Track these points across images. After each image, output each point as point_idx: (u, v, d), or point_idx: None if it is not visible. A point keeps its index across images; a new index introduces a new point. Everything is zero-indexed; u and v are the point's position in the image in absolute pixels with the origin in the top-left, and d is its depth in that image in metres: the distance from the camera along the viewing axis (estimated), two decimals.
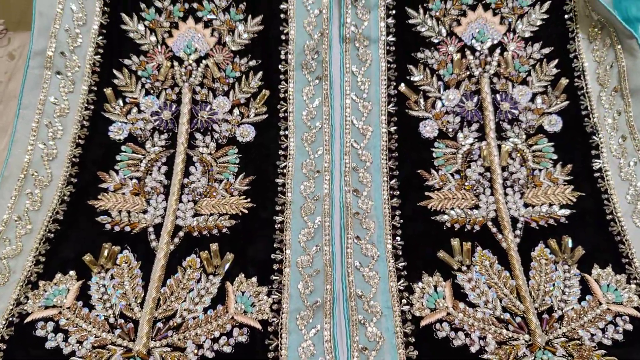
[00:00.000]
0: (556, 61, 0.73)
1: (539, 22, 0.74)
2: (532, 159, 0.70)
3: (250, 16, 0.74)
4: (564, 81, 0.72)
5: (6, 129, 0.79)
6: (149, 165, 0.70)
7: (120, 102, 0.73)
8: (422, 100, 0.72)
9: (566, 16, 0.74)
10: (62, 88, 0.71)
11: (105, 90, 0.73)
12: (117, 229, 0.65)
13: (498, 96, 0.72)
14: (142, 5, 0.74)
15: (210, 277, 0.63)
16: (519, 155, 0.70)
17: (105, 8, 0.74)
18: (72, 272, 0.62)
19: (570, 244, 0.64)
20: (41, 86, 0.71)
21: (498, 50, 0.73)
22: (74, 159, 0.69)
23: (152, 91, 0.73)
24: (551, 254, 0.64)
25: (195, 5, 0.75)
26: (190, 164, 0.70)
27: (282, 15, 0.74)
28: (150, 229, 0.65)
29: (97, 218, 0.66)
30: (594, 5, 0.70)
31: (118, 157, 0.70)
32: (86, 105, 0.72)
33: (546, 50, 0.73)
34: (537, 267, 0.63)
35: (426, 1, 0.74)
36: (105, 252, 0.63)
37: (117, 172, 0.69)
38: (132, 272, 0.62)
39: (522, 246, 0.64)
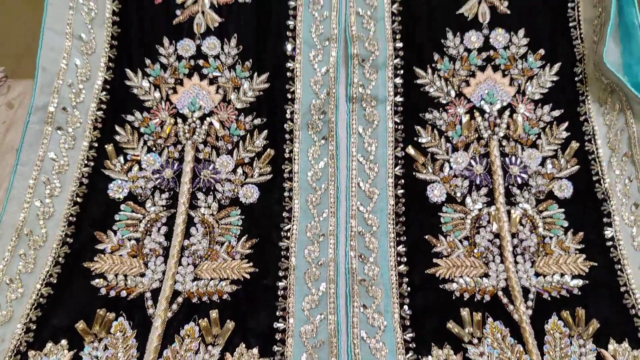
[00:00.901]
0: (566, 124, 0.72)
1: (548, 84, 0.73)
2: (543, 226, 0.68)
3: (256, 74, 0.73)
4: (574, 145, 0.71)
5: (1, 183, 0.77)
6: (149, 225, 0.67)
7: (121, 159, 0.71)
8: (430, 163, 0.71)
9: (576, 78, 0.73)
10: (63, 144, 0.70)
11: (106, 146, 0.71)
12: (112, 293, 0.63)
13: (507, 159, 0.71)
14: (148, 61, 0.74)
15: (210, 347, 0.60)
16: (529, 221, 0.68)
17: (110, 64, 0.73)
18: (63, 342, 0.59)
19: (584, 317, 0.61)
20: (41, 142, 0.69)
21: (507, 112, 0.72)
22: (70, 218, 0.67)
23: (154, 148, 0.72)
24: (565, 327, 0.61)
25: (201, 62, 0.74)
26: (191, 225, 0.68)
27: (288, 74, 0.73)
28: (148, 294, 0.63)
29: (92, 282, 0.63)
30: (603, 70, 0.70)
31: (117, 217, 0.68)
32: (86, 162, 0.70)
33: (556, 113, 0.72)
34: (552, 341, 0.60)
35: (435, 61, 0.73)
36: (100, 320, 0.61)
37: (115, 232, 0.67)
38: (127, 342, 0.60)
39: (534, 318, 0.62)
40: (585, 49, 0.73)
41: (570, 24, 0.74)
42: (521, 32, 0.74)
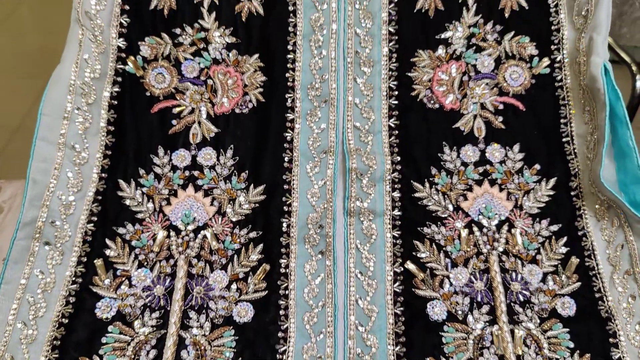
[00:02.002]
0: (565, 239, 0.71)
1: (545, 199, 0.73)
2: (548, 347, 0.66)
3: (252, 185, 0.73)
4: (574, 260, 0.70)
5: None
6: (137, 348, 0.64)
7: (111, 275, 0.68)
8: (429, 279, 0.69)
9: (572, 193, 0.73)
10: (50, 260, 0.67)
11: (95, 261, 0.68)
12: None
13: (508, 276, 0.70)
14: (142, 171, 0.72)
15: None
16: (533, 342, 0.66)
17: (103, 174, 0.72)
18: None
19: None
20: (27, 259, 0.66)
21: (506, 227, 0.72)
22: (55, 342, 0.63)
23: (145, 263, 0.69)
24: None
25: (196, 173, 0.73)
26: (182, 348, 0.64)
27: (285, 186, 0.72)
28: None
29: None
30: (600, 187, 0.70)
31: (104, 340, 0.64)
32: (74, 278, 0.67)
33: (554, 228, 0.72)
34: None
35: (432, 175, 0.73)
36: None
37: (101, 357, 0.63)
38: None
39: None
40: (579, 163, 0.74)
41: (564, 139, 0.74)
42: (516, 147, 0.74)
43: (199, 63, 0.75)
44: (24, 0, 3.00)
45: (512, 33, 0.76)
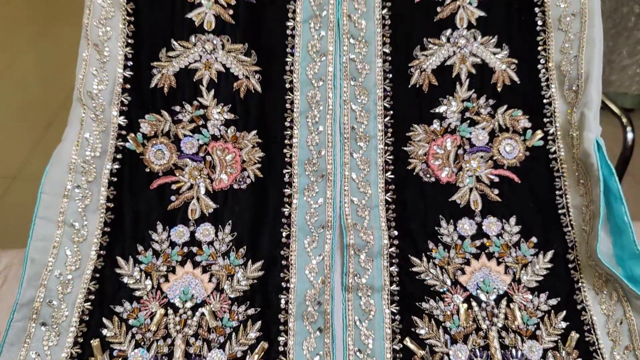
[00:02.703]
0: (564, 313, 0.71)
1: (543, 272, 0.73)
2: None
3: (250, 261, 0.73)
4: (574, 335, 0.70)
5: None
6: None
7: (107, 356, 0.67)
8: (429, 356, 0.68)
9: (570, 266, 0.73)
10: (45, 341, 0.66)
11: (92, 342, 0.68)
12: None
13: (508, 352, 0.69)
14: (140, 248, 0.73)
15: None
16: None
17: (101, 251, 0.72)
18: None
19: None
20: (23, 340, 0.66)
21: (504, 302, 0.72)
22: None
23: (142, 343, 0.69)
24: None
25: (194, 249, 0.73)
26: None
27: (283, 262, 0.72)
28: None
29: None
30: (597, 262, 0.70)
31: None
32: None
33: (553, 302, 0.72)
34: None
35: (429, 249, 0.74)
36: None
37: None
38: None
39: None
40: (576, 235, 0.74)
41: (560, 211, 0.75)
42: (512, 219, 0.75)
43: (198, 139, 0.76)
44: (26, 49, 3.05)
45: (505, 106, 0.78)
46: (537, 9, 0.77)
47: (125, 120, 0.76)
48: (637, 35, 2.36)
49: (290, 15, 0.76)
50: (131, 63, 0.76)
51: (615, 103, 2.75)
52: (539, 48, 0.78)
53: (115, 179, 0.74)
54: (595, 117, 0.73)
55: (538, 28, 0.78)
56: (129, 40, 0.76)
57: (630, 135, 1.40)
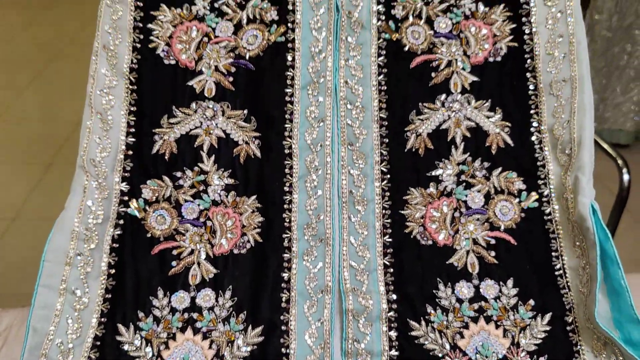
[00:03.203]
0: None
1: (542, 335, 0.73)
2: None
3: (250, 326, 0.73)
4: None
5: None
6: None
7: None
8: None
9: (568, 328, 0.74)
10: None
11: None
12: None
13: None
14: (140, 314, 0.73)
15: None
16: None
17: (102, 319, 0.72)
18: None
19: None
20: None
21: None
22: None
23: None
24: None
25: (195, 315, 0.73)
26: None
27: (282, 327, 0.73)
28: None
29: None
30: (594, 325, 0.71)
31: None
32: None
33: None
34: None
35: (428, 313, 0.74)
36: None
37: None
38: None
39: None
40: (573, 297, 0.75)
41: (557, 273, 0.76)
42: (510, 282, 0.76)
43: (199, 205, 0.77)
44: (27, 87, 3.09)
45: (500, 169, 0.79)
46: (528, 74, 0.80)
47: (127, 186, 0.77)
48: (629, 73, 2.41)
49: (288, 82, 0.79)
50: (133, 130, 0.78)
51: (610, 139, 2.78)
52: (532, 111, 0.79)
53: (117, 245, 0.75)
54: (589, 182, 0.75)
55: (530, 92, 0.80)
56: (132, 108, 0.78)
57: (626, 177, 1.42)
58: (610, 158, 1.43)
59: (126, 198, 0.77)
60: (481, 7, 0.81)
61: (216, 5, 0.80)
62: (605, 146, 1.45)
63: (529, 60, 0.80)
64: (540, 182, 0.79)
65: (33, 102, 2.98)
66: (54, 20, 4.02)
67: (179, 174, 0.78)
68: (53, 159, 2.46)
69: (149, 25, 0.79)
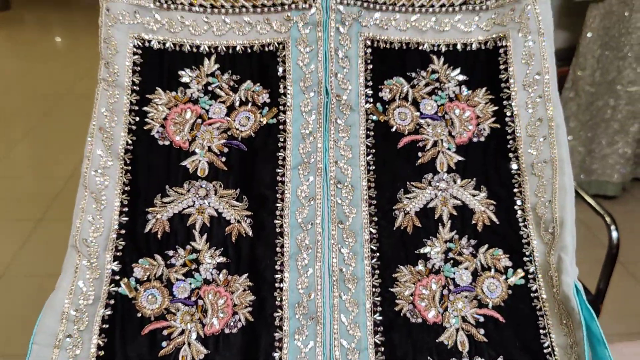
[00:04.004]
0: None
1: None
2: None
3: None
4: None
5: None
6: None
7: None
8: None
9: None
10: None
11: None
12: None
13: None
14: None
15: None
16: None
17: None
18: None
19: None
20: None
21: None
22: None
23: None
24: None
25: None
26: None
27: None
28: None
29: None
30: None
31: None
32: None
33: None
34: None
35: None
36: None
37: None
38: None
39: None
40: None
41: (545, 350, 0.77)
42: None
43: (190, 284, 0.78)
44: (20, 140, 3.11)
45: (486, 246, 0.81)
46: (511, 154, 0.83)
47: (119, 265, 0.78)
48: (613, 126, 2.48)
49: (280, 162, 0.81)
50: (127, 209, 0.79)
51: (598, 191, 2.82)
52: (515, 190, 0.82)
53: (107, 326, 0.75)
54: (572, 261, 0.76)
55: (513, 172, 0.82)
56: (126, 188, 0.80)
57: (615, 234, 1.44)
58: (599, 215, 1.45)
59: (117, 277, 0.77)
60: (464, 90, 0.85)
61: (210, 88, 0.83)
62: (593, 203, 1.48)
63: (511, 141, 0.83)
64: (525, 259, 0.80)
65: (25, 156, 2.99)
66: (50, 72, 4.09)
67: (171, 253, 0.79)
68: (44, 214, 2.45)
69: (145, 108, 0.81)
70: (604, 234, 1.37)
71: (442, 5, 0.85)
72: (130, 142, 0.80)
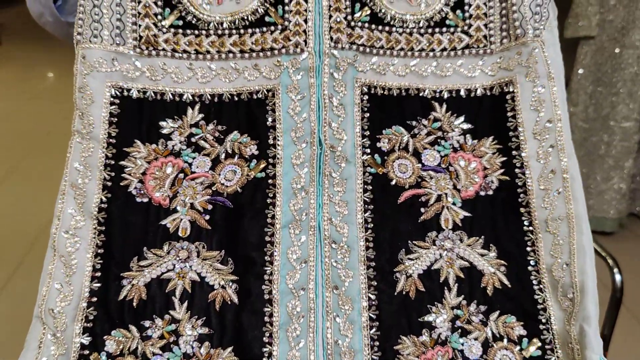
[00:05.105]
0: None
1: None
2: None
3: None
4: None
5: None
6: None
7: None
8: None
9: None
10: None
11: None
12: None
13: None
14: None
15: None
16: None
17: None
18: None
19: None
20: None
21: None
22: None
23: None
24: None
25: None
26: None
27: None
28: None
29: None
30: None
31: None
32: None
33: None
34: None
35: None
36: None
37: None
38: None
39: None
40: None
41: None
42: None
43: (168, 358, 0.69)
44: (1, 182, 3.02)
45: (497, 313, 0.73)
46: (522, 209, 0.76)
47: (89, 338, 0.69)
48: (608, 162, 2.44)
49: (269, 220, 0.74)
50: (99, 274, 0.71)
51: (595, 227, 2.77)
52: (528, 249, 0.75)
53: None
54: (596, 334, 0.69)
55: (525, 228, 0.75)
56: (99, 251, 0.72)
57: (618, 277, 1.37)
58: (600, 257, 1.38)
59: (87, 352, 0.69)
60: (470, 139, 0.78)
61: (193, 139, 0.76)
62: (595, 245, 1.41)
63: (522, 195, 0.76)
64: (541, 326, 0.73)
65: (6, 197, 2.89)
66: (35, 111, 4.01)
67: (147, 323, 0.70)
68: (23, 258, 2.35)
69: (122, 162, 0.74)
70: (604, 273, 1.30)
71: (444, 49, 0.79)
72: (105, 199, 0.73)
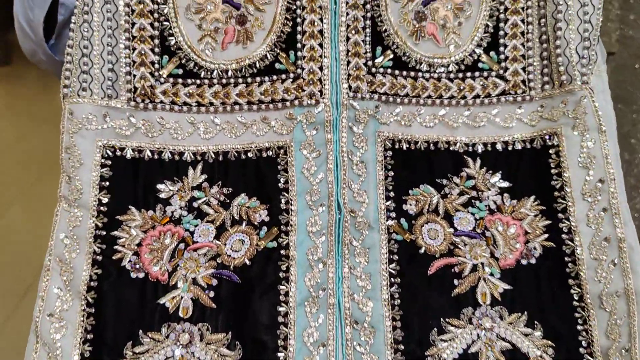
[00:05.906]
0: None
1: None
2: None
3: None
4: None
5: None
6: None
7: None
8: None
9: None
10: None
11: None
12: None
13: None
14: None
15: None
16: None
17: None
18: None
19: None
20: None
21: None
22: None
23: None
24: None
25: None
26: None
27: None
28: None
29: None
30: None
31: None
32: None
33: None
34: None
35: None
36: None
37: None
38: None
39: None
40: None
41: None
42: None
43: None
44: (11, 204, 2.96)
45: None
46: (571, 281, 0.66)
47: None
48: (630, 181, 2.33)
49: (282, 297, 0.65)
50: None
51: None
52: (579, 327, 0.65)
53: None
54: None
55: (575, 303, 0.66)
56: (88, 336, 0.63)
57: None
58: None
59: None
60: (508, 199, 0.69)
61: (195, 204, 0.67)
62: None
63: (570, 265, 0.66)
64: None
65: (15, 221, 2.83)
66: (45, 134, 3.97)
67: None
68: (32, 282, 2.28)
69: (114, 233, 0.66)
70: None
71: (477, 96, 0.70)
72: (94, 276, 0.64)
